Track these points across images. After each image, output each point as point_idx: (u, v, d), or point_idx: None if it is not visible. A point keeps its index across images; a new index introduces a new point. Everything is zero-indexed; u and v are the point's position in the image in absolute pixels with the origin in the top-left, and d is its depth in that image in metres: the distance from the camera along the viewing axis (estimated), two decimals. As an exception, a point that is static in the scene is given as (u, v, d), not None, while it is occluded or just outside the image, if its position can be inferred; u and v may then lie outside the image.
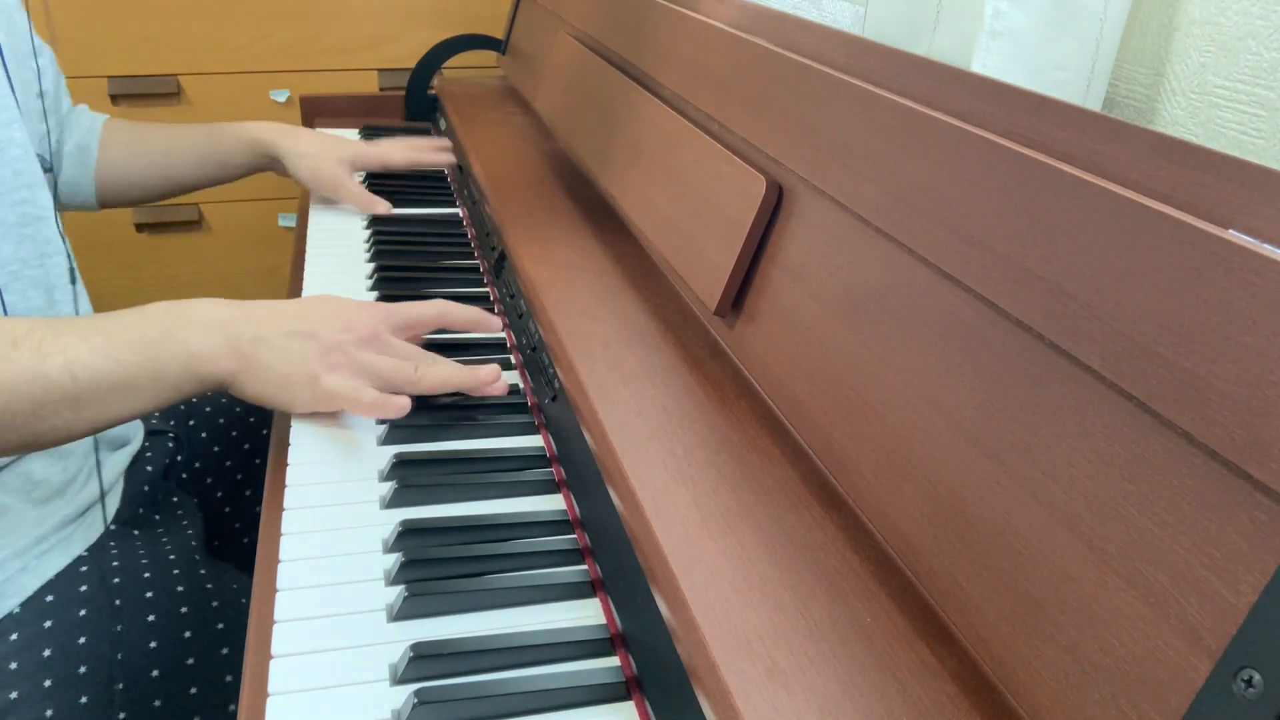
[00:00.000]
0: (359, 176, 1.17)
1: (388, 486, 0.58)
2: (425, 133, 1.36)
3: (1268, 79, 0.63)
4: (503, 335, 0.79)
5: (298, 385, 0.62)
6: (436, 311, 0.70)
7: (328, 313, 0.65)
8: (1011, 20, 0.68)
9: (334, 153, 1.04)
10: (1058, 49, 0.70)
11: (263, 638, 0.47)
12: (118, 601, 0.69)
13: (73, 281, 0.77)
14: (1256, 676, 0.27)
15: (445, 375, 0.66)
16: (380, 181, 1.13)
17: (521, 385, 0.72)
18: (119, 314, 0.61)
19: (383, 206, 1.03)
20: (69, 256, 0.77)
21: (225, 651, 0.70)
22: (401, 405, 0.63)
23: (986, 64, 0.69)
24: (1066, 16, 0.69)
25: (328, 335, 0.63)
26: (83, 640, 0.66)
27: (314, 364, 0.62)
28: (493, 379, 0.68)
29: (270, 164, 1.06)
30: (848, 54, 0.57)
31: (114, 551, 0.74)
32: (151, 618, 0.69)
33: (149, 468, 0.85)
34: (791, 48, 0.63)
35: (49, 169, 0.83)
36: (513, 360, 0.75)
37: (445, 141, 1.14)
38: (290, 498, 0.58)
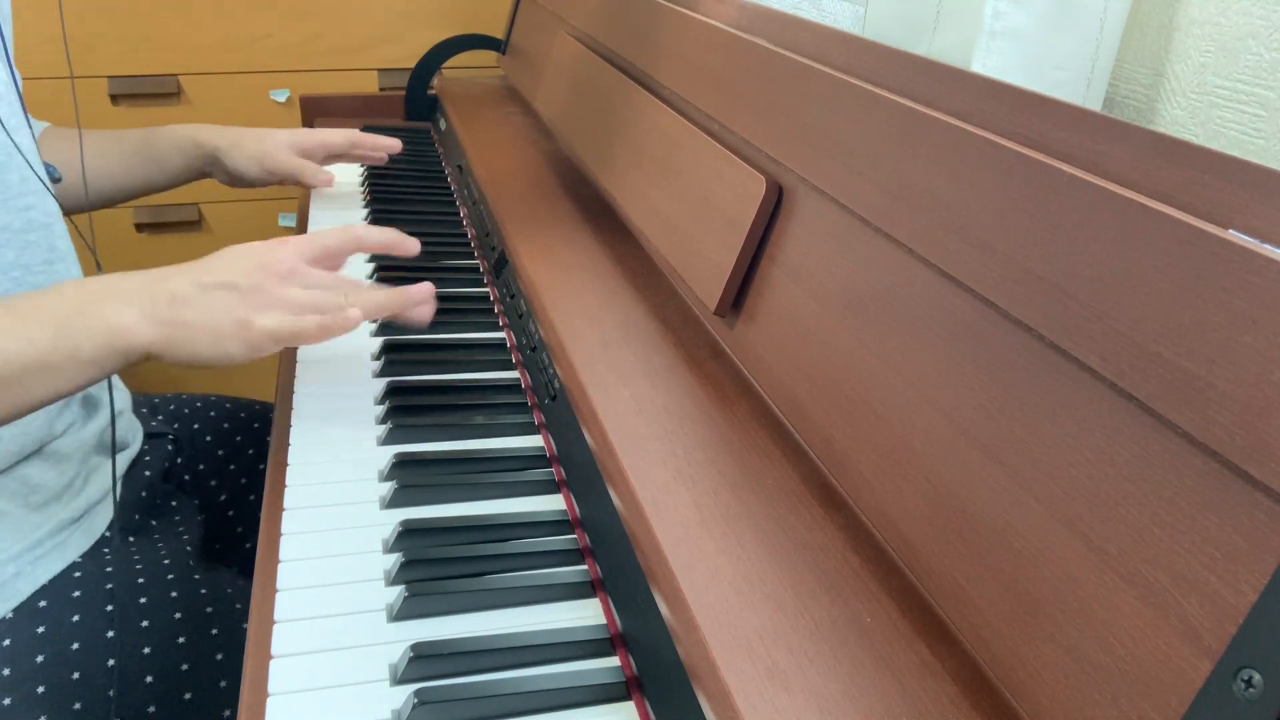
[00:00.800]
0: (358, 176, 1.17)
1: (388, 486, 0.58)
2: (425, 133, 1.36)
3: (1268, 79, 0.63)
4: (502, 335, 0.79)
5: (228, 336, 0.60)
6: (351, 236, 0.68)
7: (239, 258, 0.63)
8: (1011, 20, 0.68)
9: (271, 138, 1.01)
10: (1058, 49, 0.70)
11: (263, 638, 0.47)
12: (110, 607, 0.69)
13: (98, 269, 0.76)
14: (1256, 676, 0.27)
15: (378, 300, 0.65)
16: (380, 182, 1.13)
17: (521, 385, 0.72)
18: (30, 294, 0.59)
19: (325, 176, 1.01)
20: (98, 266, 0.76)
21: (220, 657, 0.70)
22: (353, 318, 0.62)
23: (986, 64, 0.69)
24: (1066, 16, 0.69)
25: (245, 279, 0.61)
26: (76, 646, 0.66)
27: (241, 309, 0.60)
28: (424, 296, 0.66)
29: (208, 164, 1.02)
30: (848, 54, 0.57)
31: (108, 557, 0.74)
32: (145, 623, 0.69)
33: (147, 472, 0.85)
34: (791, 48, 0.63)
35: (57, 179, 0.83)
36: (513, 360, 0.75)
37: (392, 142, 1.09)
38: (290, 498, 0.58)
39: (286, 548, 0.54)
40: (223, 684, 0.69)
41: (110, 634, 0.67)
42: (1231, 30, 0.66)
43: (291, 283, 0.63)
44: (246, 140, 1.01)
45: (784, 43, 0.65)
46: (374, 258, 1.00)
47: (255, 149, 1.00)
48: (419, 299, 0.67)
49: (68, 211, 0.99)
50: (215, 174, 1.03)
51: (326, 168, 1.04)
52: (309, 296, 0.62)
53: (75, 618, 0.67)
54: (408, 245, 0.71)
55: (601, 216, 0.89)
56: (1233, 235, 0.31)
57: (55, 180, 0.83)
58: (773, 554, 0.45)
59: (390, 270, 0.88)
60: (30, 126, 0.75)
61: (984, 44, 0.69)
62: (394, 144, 1.08)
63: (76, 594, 0.69)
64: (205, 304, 0.60)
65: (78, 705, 0.64)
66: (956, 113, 0.46)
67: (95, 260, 0.77)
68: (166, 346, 0.59)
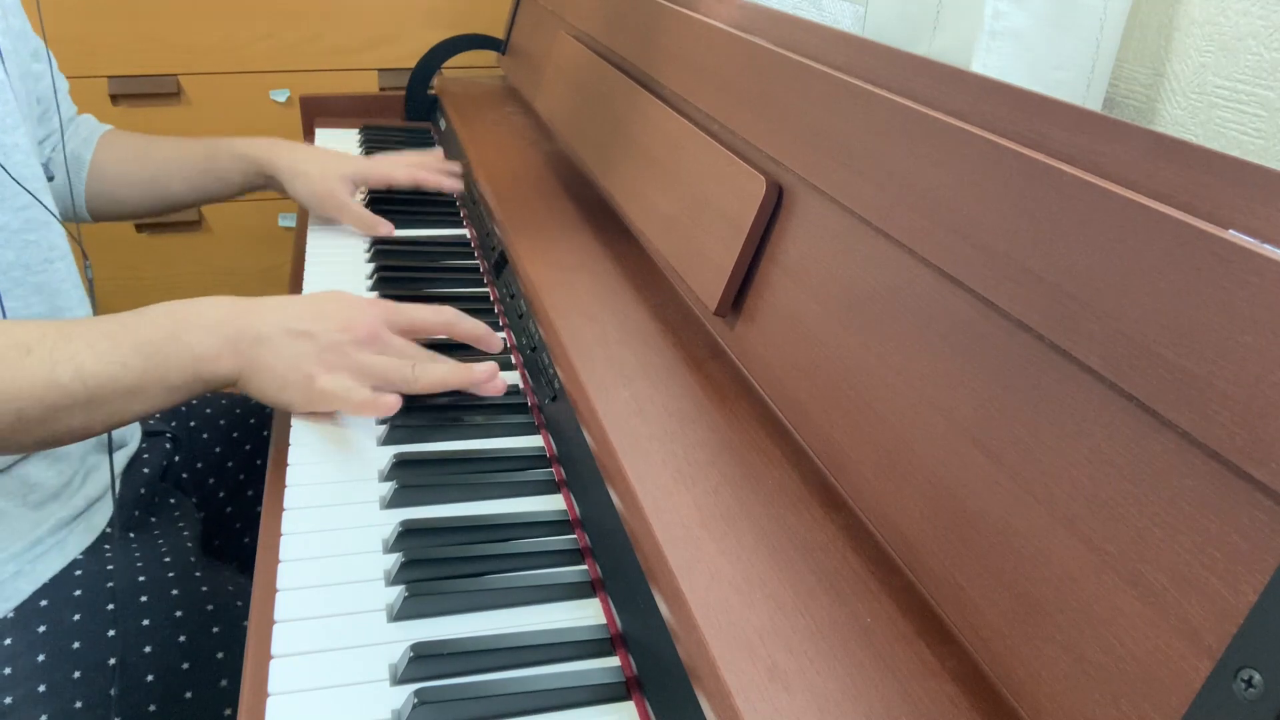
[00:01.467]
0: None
1: (388, 486, 0.58)
2: (425, 133, 1.36)
3: (1268, 79, 0.63)
4: (503, 335, 0.79)
5: (293, 385, 0.62)
6: (443, 321, 0.69)
7: (329, 311, 0.64)
8: (1012, 20, 0.68)
9: (334, 170, 0.99)
10: (1058, 49, 0.70)
11: (263, 638, 0.47)
12: (111, 606, 0.69)
13: (91, 295, 0.77)
14: (1256, 676, 0.27)
15: (443, 375, 0.66)
16: (382, 191, 1.13)
17: (521, 385, 0.72)
18: (123, 316, 0.61)
19: (385, 228, 0.98)
20: (89, 269, 0.77)
21: (220, 655, 0.70)
22: (391, 404, 0.63)
23: (987, 64, 0.69)
24: (1066, 16, 0.69)
25: (326, 335, 0.63)
26: (77, 645, 0.66)
27: (310, 364, 0.62)
28: (488, 377, 0.67)
29: (267, 182, 1.01)
30: (848, 54, 0.57)
31: (108, 555, 0.74)
32: (146, 622, 0.69)
33: (145, 469, 0.85)
34: (792, 48, 0.63)
35: (51, 177, 0.83)
36: (513, 360, 0.75)
37: (455, 165, 1.08)
38: (290, 498, 0.58)
39: (286, 548, 0.54)
40: (223, 683, 0.69)
41: (111, 633, 0.67)
42: (1231, 30, 0.66)
43: (369, 347, 0.64)
44: (307, 168, 0.99)
45: (784, 43, 0.65)
46: (373, 259, 1.00)
47: (317, 186, 0.98)
48: (484, 378, 0.67)
49: (110, 217, 1.00)
50: (274, 189, 1.02)
51: None
52: (378, 363, 0.64)
53: (76, 616, 0.68)
54: (492, 342, 0.72)
55: (601, 217, 0.89)
56: (1233, 235, 0.31)
57: (48, 179, 0.83)
58: (773, 554, 0.45)
59: (391, 271, 0.88)
60: (22, 126, 0.75)
61: (984, 44, 0.69)
62: (457, 185, 1.07)
63: (77, 593, 0.69)
64: (281, 349, 0.62)
65: (79, 704, 0.64)
66: (956, 113, 0.46)
67: (84, 260, 0.77)
68: (242, 380, 0.62)
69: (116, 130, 0.99)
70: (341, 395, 0.62)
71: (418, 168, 1.05)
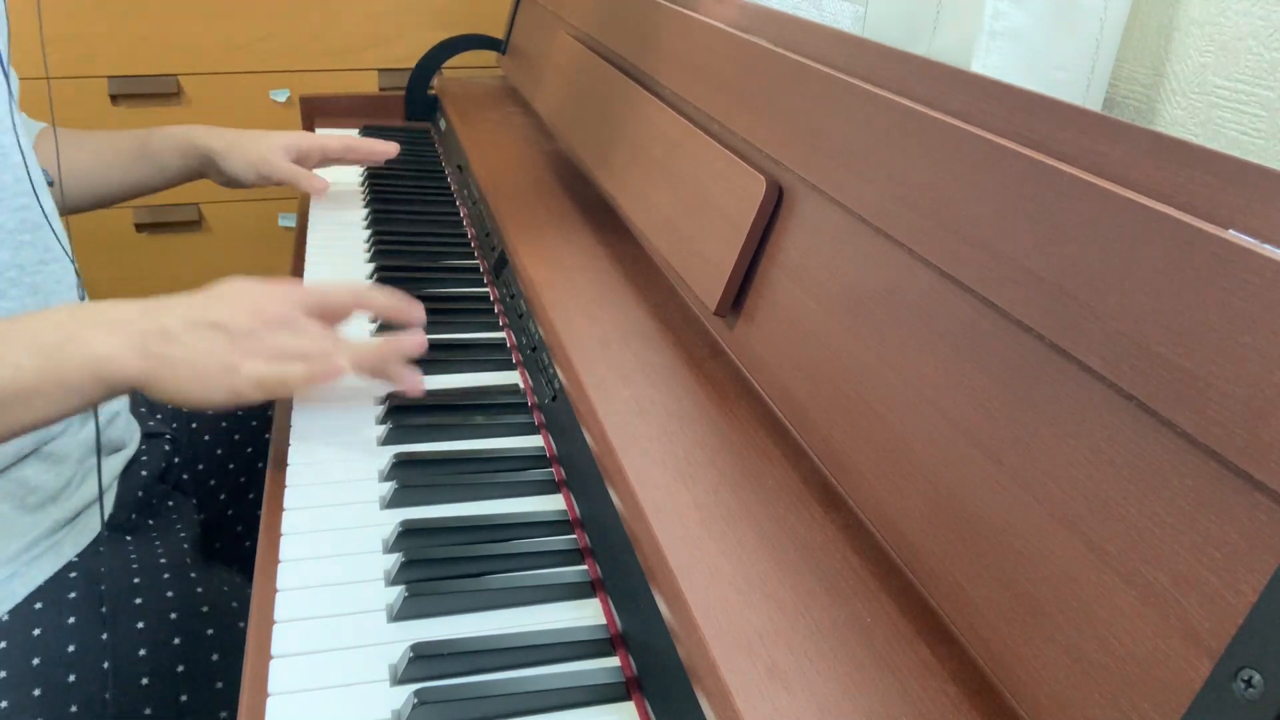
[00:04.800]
0: (359, 175, 1.17)
1: (388, 486, 0.58)
2: (424, 133, 1.36)
3: (1268, 79, 0.63)
4: (503, 335, 0.79)
5: (213, 379, 0.59)
6: (352, 296, 0.67)
7: (235, 299, 0.62)
8: (1012, 20, 0.68)
9: (267, 141, 1.01)
10: (1058, 49, 0.70)
11: (263, 638, 0.47)
12: (105, 609, 0.69)
13: (81, 299, 0.76)
14: (1256, 676, 0.27)
15: (364, 350, 0.64)
16: (381, 182, 1.13)
17: (521, 385, 0.72)
18: (21, 317, 0.59)
19: (319, 183, 1.00)
20: (78, 274, 0.76)
21: (216, 658, 0.70)
22: (340, 365, 0.61)
23: (986, 64, 0.69)
24: (1066, 16, 0.69)
25: (237, 323, 0.60)
26: (72, 648, 0.66)
27: (228, 354, 0.59)
28: (415, 348, 0.66)
29: (204, 166, 1.01)
30: (848, 54, 0.57)
31: (103, 554, 0.74)
32: (141, 624, 0.69)
33: (144, 472, 0.85)
34: (791, 48, 0.63)
35: (51, 182, 0.83)
36: (513, 360, 0.75)
37: (390, 147, 1.09)
38: (290, 498, 0.58)
39: (286, 548, 0.54)
40: (219, 685, 0.69)
41: (106, 636, 0.67)
42: (1231, 30, 0.66)
43: (283, 330, 0.62)
44: (243, 143, 1.00)
45: (784, 43, 0.65)
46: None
47: (251, 154, 0.99)
48: (407, 348, 0.66)
49: (63, 213, 0.98)
50: (211, 175, 1.02)
51: (321, 172, 1.04)
52: (297, 344, 0.62)
53: (71, 620, 0.67)
54: (412, 313, 0.70)
55: (601, 216, 0.89)
56: (1233, 235, 0.31)
57: (48, 185, 0.83)
58: (773, 554, 0.45)
59: (391, 271, 0.88)
60: (20, 126, 0.75)
61: (984, 44, 0.69)
62: (391, 149, 1.08)
63: (72, 595, 0.69)
64: (193, 342, 0.59)
65: (74, 708, 0.63)
66: (956, 113, 0.46)
67: (71, 261, 0.77)
68: (152, 380, 0.59)
69: (49, 128, 0.98)
70: (276, 378, 0.60)
71: (348, 140, 1.06)
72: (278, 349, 0.61)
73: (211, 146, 0.99)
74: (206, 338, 0.59)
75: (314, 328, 0.64)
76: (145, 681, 0.66)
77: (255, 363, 0.60)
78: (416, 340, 0.66)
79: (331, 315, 0.67)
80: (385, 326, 0.79)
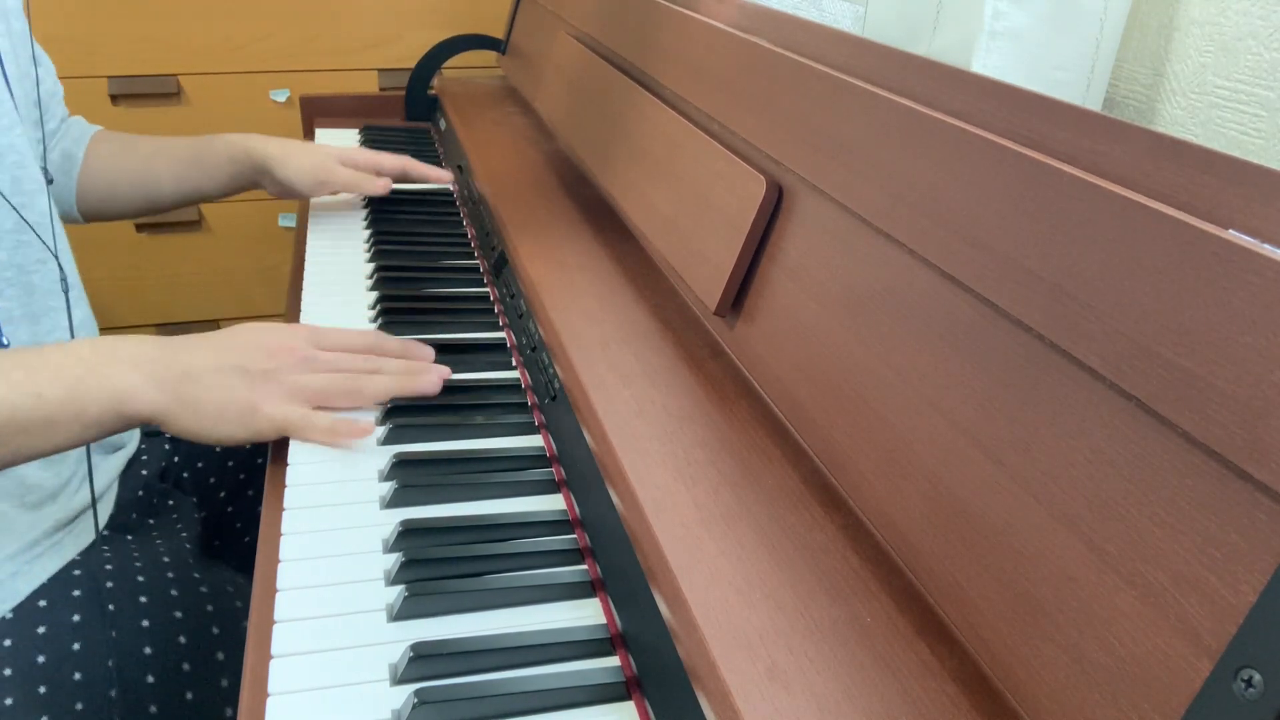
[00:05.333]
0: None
1: (388, 486, 0.58)
2: (424, 133, 1.36)
3: (1268, 79, 0.63)
4: (503, 335, 0.79)
5: (233, 417, 0.61)
6: (366, 343, 0.68)
7: (250, 342, 0.63)
8: (1012, 20, 0.68)
9: (323, 150, 1.02)
10: (1058, 49, 0.70)
11: (263, 638, 0.47)
12: (111, 606, 0.69)
13: (65, 291, 0.76)
14: (1256, 676, 0.27)
15: (388, 385, 0.65)
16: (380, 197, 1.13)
17: (521, 385, 0.72)
18: (42, 349, 0.60)
19: (381, 184, 1.01)
20: (60, 266, 0.76)
21: (220, 656, 0.70)
22: (364, 429, 0.62)
23: (987, 64, 0.69)
24: (1066, 16, 0.69)
25: (257, 364, 0.62)
26: (76, 646, 0.66)
27: (248, 395, 0.61)
28: (433, 389, 0.67)
29: (257, 175, 1.01)
30: (848, 54, 0.57)
31: (107, 555, 0.74)
32: (145, 623, 0.69)
33: (144, 471, 0.85)
34: (791, 48, 0.63)
35: (51, 180, 0.83)
36: (513, 360, 0.75)
37: (443, 173, 1.09)
38: (290, 497, 0.58)
39: (286, 547, 0.54)
40: (224, 683, 0.69)
41: (112, 633, 0.67)
42: (1231, 30, 0.66)
43: (302, 369, 0.63)
44: (300, 149, 1.00)
45: (784, 43, 0.65)
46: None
47: (309, 161, 0.99)
48: (428, 390, 0.67)
49: (100, 218, 0.99)
50: (265, 184, 1.02)
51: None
52: (317, 382, 0.63)
53: (76, 618, 0.67)
54: (425, 350, 0.71)
55: (601, 216, 0.89)
56: (1233, 235, 0.31)
57: (50, 182, 0.83)
58: (773, 554, 0.45)
59: (391, 271, 0.88)
60: (20, 124, 0.75)
61: (984, 44, 0.69)
62: (445, 175, 1.08)
63: (76, 593, 0.69)
64: (214, 384, 0.61)
65: (79, 705, 0.64)
66: (956, 113, 0.46)
67: (58, 264, 0.77)
68: (171, 416, 0.61)
69: (105, 130, 0.99)
70: (300, 423, 0.62)
71: (405, 158, 1.07)
72: (297, 388, 0.62)
73: (269, 153, 1.00)
74: (229, 379, 0.61)
75: (333, 359, 0.65)
76: (151, 679, 0.67)
77: (275, 403, 0.62)
78: (434, 381, 0.67)
79: (348, 352, 0.68)
80: (387, 319, 0.79)
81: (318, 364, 0.64)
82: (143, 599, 0.70)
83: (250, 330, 0.65)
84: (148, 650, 0.68)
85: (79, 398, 0.58)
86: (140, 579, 0.72)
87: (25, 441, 0.58)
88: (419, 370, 0.67)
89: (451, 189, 1.14)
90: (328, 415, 0.62)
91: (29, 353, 0.60)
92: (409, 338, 0.71)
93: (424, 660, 0.46)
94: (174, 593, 0.72)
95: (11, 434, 0.57)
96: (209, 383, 0.61)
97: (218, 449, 0.95)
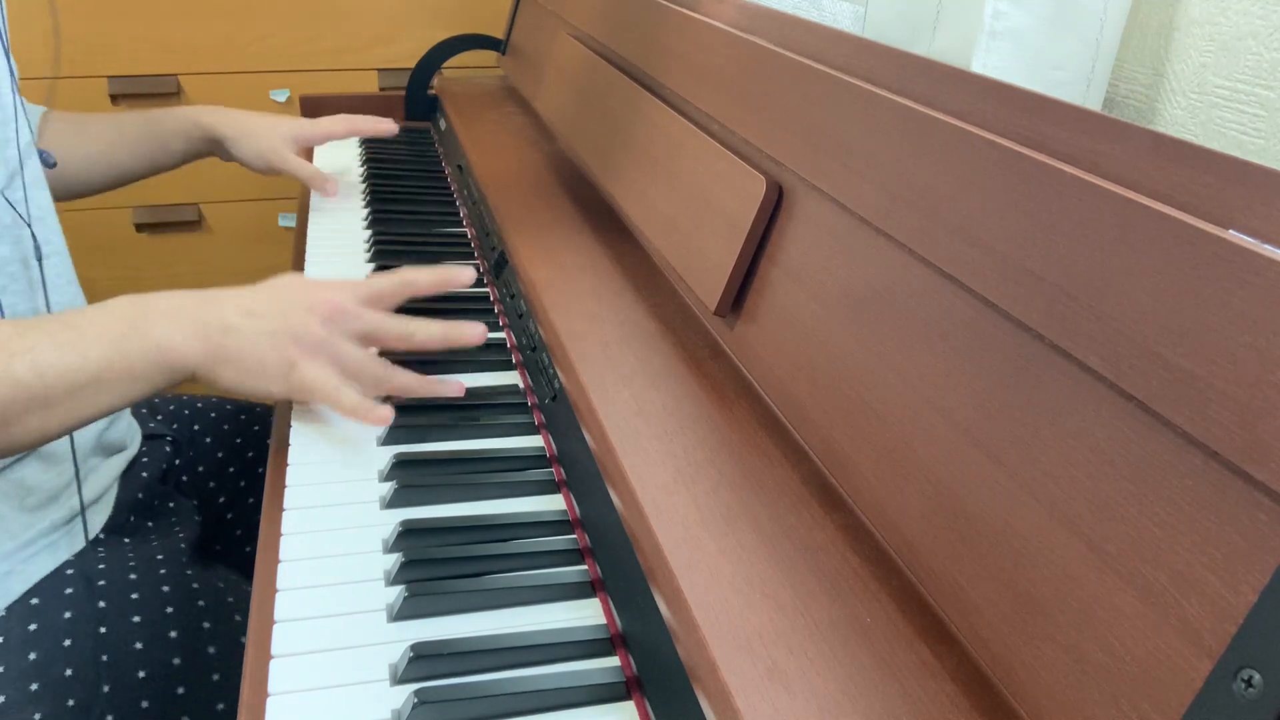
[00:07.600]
0: (359, 175, 1.17)
1: (388, 486, 0.58)
2: (425, 133, 1.36)
3: (1268, 79, 0.63)
4: (503, 335, 0.79)
5: (272, 372, 0.61)
6: (400, 280, 0.68)
7: (292, 296, 0.63)
8: (1012, 20, 0.68)
9: (276, 130, 1.03)
10: (1058, 49, 0.70)
11: (263, 638, 0.47)
12: (102, 603, 0.69)
13: (39, 259, 0.74)
14: (1256, 676, 0.27)
15: (407, 381, 0.65)
16: (381, 181, 1.13)
17: (521, 385, 0.72)
18: (83, 310, 0.60)
19: (332, 185, 1.04)
20: (34, 237, 0.74)
21: (212, 651, 0.70)
22: (384, 416, 0.62)
23: (986, 64, 0.69)
24: (1066, 16, 0.69)
25: (296, 317, 0.62)
26: (68, 643, 0.66)
27: (288, 349, 0.61)
28: (456, 391, 0.67)
29: (212, 147, 1.03)
30: (848, 54, 0.57)
31: (101, 555, 0.74)
32: (137, 619, 0.69)
33: (144, 474, 0.85)
34: (791, 48, 0.63)
35: (51, 164, 0.83)
36: (513, 360, 0.75)
37: (388, 122, 1.11)
38: (290, 498, 0.58)
39: (286, 548, 0.54)
40: (215, 678, 0.69)
41: (103, 630, 0.67)
42: (1231, 30, 0.66)
43: (339, 324, 0.63)
44: (253, 129, 1.02)
45: (784, 43, 0.65)
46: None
47: (262, 144, 1.01)
48: (448, 392, 0.67)
49: (69, 196, 0.99)
50: (218, 155, 1.05)
51: (326, 166, 1.05)
52: (351, 355, 0.63)
53: (67, 614, 0.68)
54: (461, 277, 0.70)
55: (602, 217, 0.89)
56: (1233, 235, 0.31)
57: (50, 166, 0.83)
58: (773, 554, 0.45)
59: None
60: (26, 114, 0.75)
61: (984, 44, 0.69)
62: (390, 126, 1.10)
63: (69, 592, 0.69)
64: (254, 336, 0.61)
65: (71, 701, 0.64)
66: (956, 113, 0.46)
67: (40, 267, 0.76)
68: (212, 368, 0.60)
69: (53, 111, 0.98)
70: (329, 392, 0.61)
71: (351, 120, 1.08)
72: (335, 354, 0.62)
73: (221, 132, 1.02)
74: (267, 331, 0.61)
75: (374, 318, 0.65)
76: (142, 675, 0.67)
77: (316, 367, 0.61)
78: (456, 386, 0.67)
79: (385, 304, 0.68)
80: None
81: (356, 318, 0.64)
82: (134, 595, 0.70)
83: (287, 285, 0.65)
84: (138, 646, 0.68)
85: (125, 354, 0.58)
86: (132, 576, 0.72)
87: (78, 403, 0.57)
88: (447, 384, 0.67)
89: (450, 187, 1.14)
90: (355, 394, 0.62)
91: (71, 314, 0.59)
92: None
93: (424, 660, 0.46)
94: (166, 589, 0.72)
95: (63, 395, 0.57)
96: (249, 334, 0.61)
97: (219, 453, 0.95)
